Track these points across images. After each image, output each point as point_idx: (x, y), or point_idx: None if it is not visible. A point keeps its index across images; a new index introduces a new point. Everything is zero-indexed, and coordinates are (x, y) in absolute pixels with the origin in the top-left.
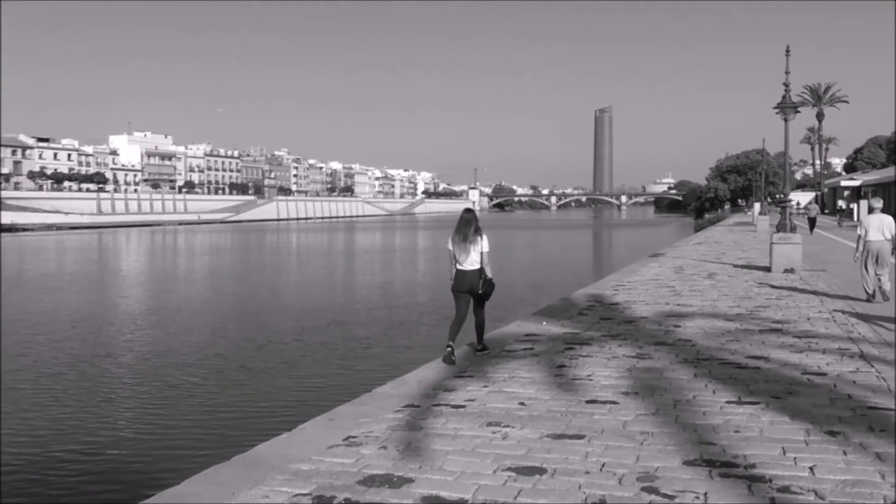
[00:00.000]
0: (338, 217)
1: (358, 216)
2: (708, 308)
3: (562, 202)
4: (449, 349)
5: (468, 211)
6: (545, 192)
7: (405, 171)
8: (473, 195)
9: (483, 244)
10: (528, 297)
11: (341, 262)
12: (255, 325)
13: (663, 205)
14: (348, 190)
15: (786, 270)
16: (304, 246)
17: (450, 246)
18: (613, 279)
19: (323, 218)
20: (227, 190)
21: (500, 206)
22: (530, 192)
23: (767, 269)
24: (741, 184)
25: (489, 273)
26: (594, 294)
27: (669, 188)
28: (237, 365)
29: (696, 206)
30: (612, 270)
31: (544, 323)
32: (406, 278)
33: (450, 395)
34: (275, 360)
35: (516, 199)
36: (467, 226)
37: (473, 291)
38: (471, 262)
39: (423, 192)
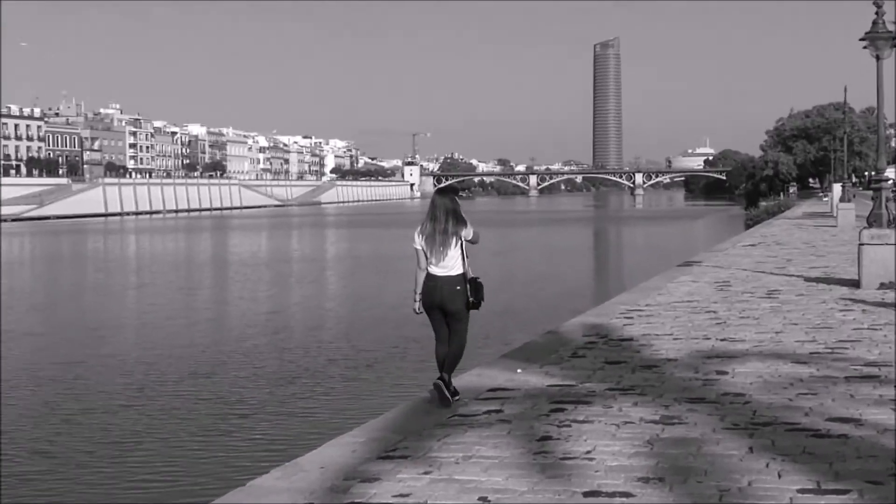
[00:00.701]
0: (200, 210)
1: (232, 208)
2: (768, 345)
3: (545, 183)
4: (439, 385)
5: (443, 192)
6: (519, 168)
7: (306, 138)
8: (412, 174)
9: (464, 233)
10: (496, 330)
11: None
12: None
13: (698, 187)
14: (217, 168)
15: (883, 285)
16: (144, 257)
17: (418, 243)
18: (624, 301)
19: (177, 211)
20: (22, 169)
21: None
22: (497, 168)
23: (856, 284)
24: (813, 155)
25: (470, 271)
26: (596, 324)
27: (707, 162)
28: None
29: (746, 188)
30: (623, 288)
31: (520, 371)
32: (331, 297)
33: (370, 490)
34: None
35: (477, 179)
36: (445, 214)
37: (451, 306)
38: (449, 264)
39: (334, 171)
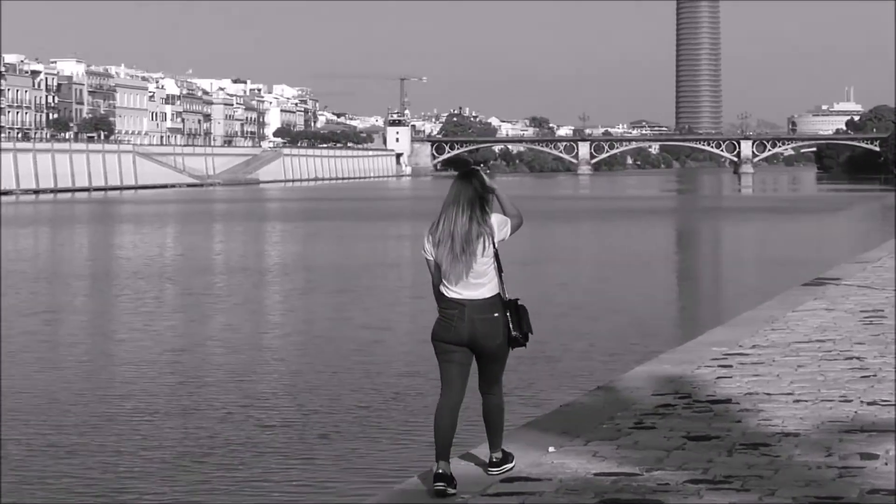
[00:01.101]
0: (74, 190)
1: (123, 188)
2: None
3: (603, 155)
4: (440, 479)
5: (467, 175)
6: (563, 131)
7: (238, 83)
8: (398, 138)
9: (497, 232)
10: (521, 382)
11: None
12: None
13: (836, 161)
14: (101, 126)
15: None
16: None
17: (428, 252)
18: (720, 340)
19: (37, 192)
20: None
21: (459, 165)
22: (530, 132)
23: None
24: None
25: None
26: (674, 376)
27: (851, 124)
28: None
29: None
30: (719, 321)
31: (553, 449)
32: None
33: None
34: None
35: (498, 147)
36: (470, 206)
37: (488, 343)
38: (476, 281)
39: (280, 134)
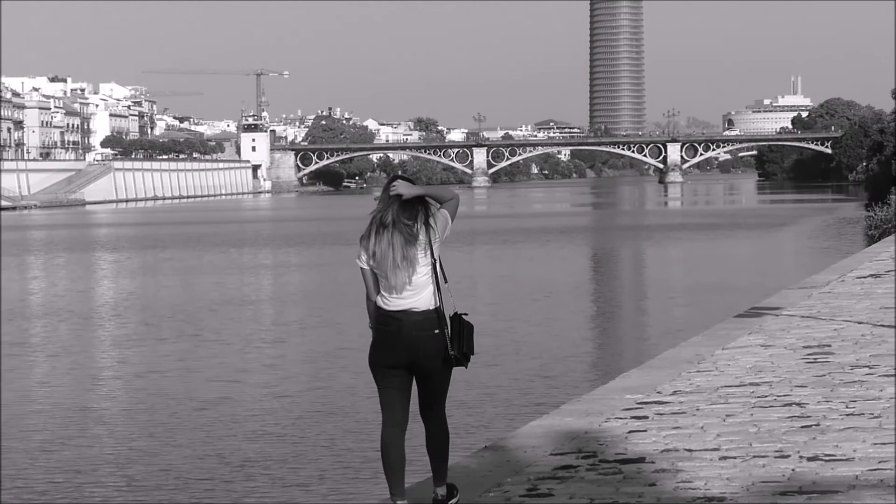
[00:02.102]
0: None
1: None
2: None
3: (503, 163)
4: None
5: (395, 180)
6: (455, 135)
7: (56, 82)
8: (255, 147)
9: (442, 234)
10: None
11: None
12: None
13: (780, 166)
14: None
15: None
16: None
17: (363, 261)
18: (634, 385)
19: None
20: None
21: (325, 179)
22: (415, 137)
23: None
24: None
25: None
26: (578, 430)
27: (797, 122)
28: None
29: (868, 169)
30: (634, 361)
31: None
32: None
33: None
34: None
35: (376, 155)
36: (403, 206)
37: (426, 362)
38: (415, 292)
39: (110, 143)
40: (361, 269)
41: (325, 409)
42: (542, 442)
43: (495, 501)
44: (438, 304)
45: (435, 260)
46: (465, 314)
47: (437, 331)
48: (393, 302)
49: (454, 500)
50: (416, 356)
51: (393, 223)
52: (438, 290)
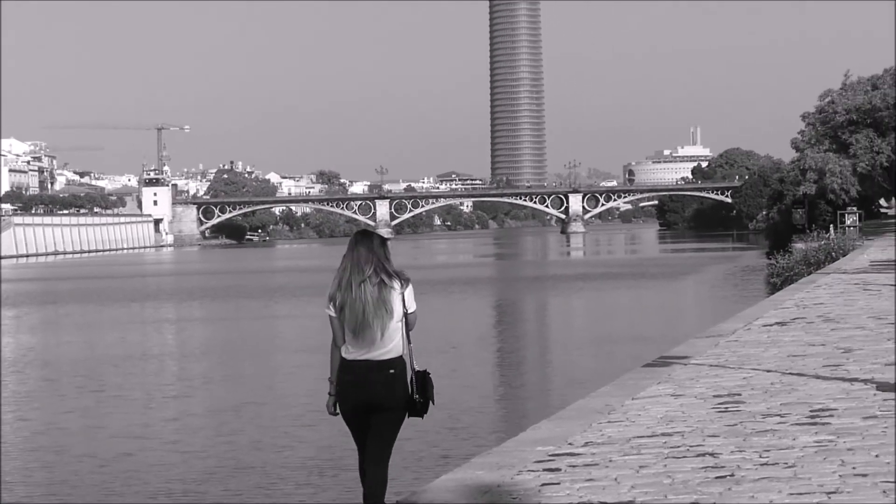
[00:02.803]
0: None
1: None
2: None
3: (407, 214)
4: None
5: (365, 234)
6: (357, 187)
7: None
8: (156, 200)
9: (407, 298)
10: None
11: None
12: None
13: (681, 216)
14: None
15: None
16: None
17: (331, 310)
18: (545, 437)
19: None
20: None
21: (228, 232)
22: (317, 190)
23: None
24: (886, 156)
25: (414, 362)
26: (487, 484)
27: (697, 172)
28: None
29: (769, 218)
30: (543, 413)
31: None
32: None
33: None
34: None
35: (278, 209)
36: (370, 256)
37: (384, 401)
38: (383, 342)
39: (10, 199)
40: (330, 317)
41: (231, 463)
42: (453, 497)
43: None
44: (401, 353)
45: (405, 320)
46: (426, 370)
47: (392, 371)
48: (358, 353)
49: None
50: (371, 396)
51: (368, 279)
52: (404, 344)
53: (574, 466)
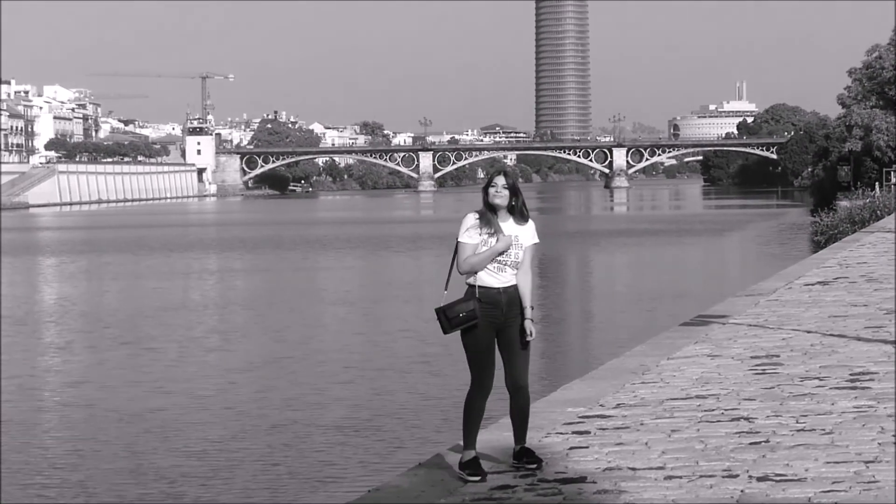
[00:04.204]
0: None
1: None
2: (851, 490)
3: (450, 167)
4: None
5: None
6: (401, 138)
7: None
8: (200, 150)
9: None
10: (317, 458)
11: None
12: None
13: (726, 172)
14: None
15: None
16: None
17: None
18: (575, 397)
19: None
20: None
21: (271, 182)
22: (361, 141)
23: None
24: None
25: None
26: (508, 446)
27: (743, 128)
28: None
29: (813, 175)
30: (575, 372)
31: None
32: None
33: None
34: None
35: (322, 159)
36: (513, 194)
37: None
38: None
39: (54, 146)
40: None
41: (264, 421)
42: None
43: None
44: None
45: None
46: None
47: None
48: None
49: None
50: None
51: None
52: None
53: (604, 429)
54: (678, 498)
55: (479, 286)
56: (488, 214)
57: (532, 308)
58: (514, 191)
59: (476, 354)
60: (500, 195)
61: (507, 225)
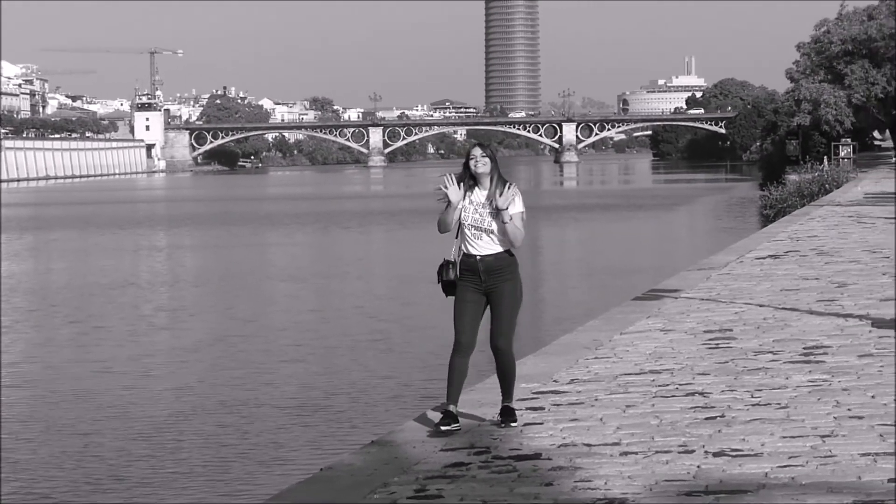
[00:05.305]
0: None
1: None
2: (808, 465)
3: (399, 142)
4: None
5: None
6: (350, 114)
7: None
8: (149, 126)
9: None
10: (274, 439)
11: None
12: None
13: (675, 146)
14: None
15: None
16: None
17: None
18: (529, 373)
19: None
20: None
21: (220, 158)
22: (310, 116)
23: None
24: (881, 88)
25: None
26: (469, 422)
27: (692, 102)
28: None
29: (762, 149)
30: (529, 348)
31: None
32: None
33: None
34: None
35: (271, 135)
36: (493, 162)
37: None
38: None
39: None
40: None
41: (213, 400)
42: (432, 436)
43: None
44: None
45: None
46: None
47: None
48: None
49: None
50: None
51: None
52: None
53: (558, 405)
54: (634, 474)
55: (461, 251)
56: (465, 181)
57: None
58: (493, 159)
59: (456, 312)
60: (481, 163)
61: (487, 193)
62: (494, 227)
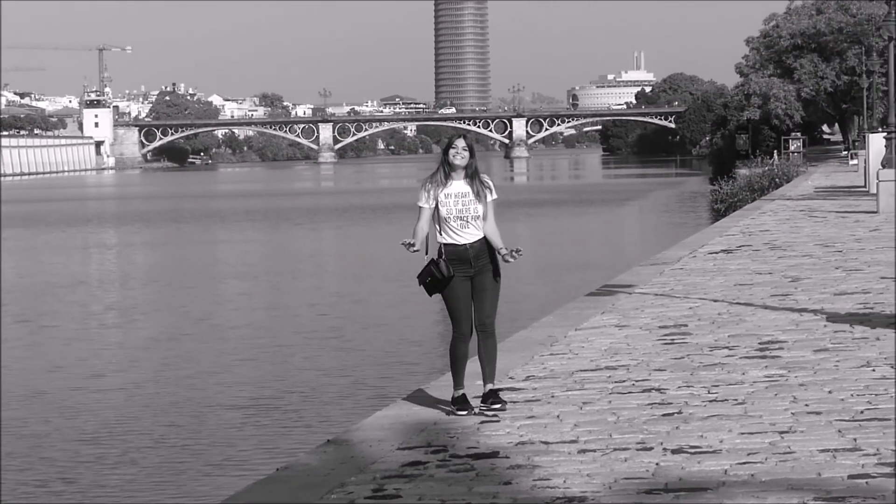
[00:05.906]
0: None
1: None
2: (766, 461)
3: (350, 139)
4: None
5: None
6: (300, 110)
7: None
8: (97, 122)
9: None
10: (226, 438)
11: None
12: None
13: (625, 141)
14: None
15: None
16: None
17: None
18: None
19: None
20: None
21: (170, 155)
22: (260, 112)
23: None
24: (830, 82)
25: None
26: (425, 420)
27: (641, 97)
28: None
29: (712, 143)
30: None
31: None
32: None
33: None
34: None
35: (221, 132)
36: (471, 155)
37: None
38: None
39: None
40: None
41: (165, 400)
42: (388, 435)
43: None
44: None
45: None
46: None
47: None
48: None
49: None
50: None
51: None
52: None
53: (514, 402)
54: (593, 472)
55: (446, 244)
56: (438, 174)
57: (505, 249)
58: (472, 152)
59: (453, 304)
60: (461, 155)
61: (461, 183)
62: (480, 211)
